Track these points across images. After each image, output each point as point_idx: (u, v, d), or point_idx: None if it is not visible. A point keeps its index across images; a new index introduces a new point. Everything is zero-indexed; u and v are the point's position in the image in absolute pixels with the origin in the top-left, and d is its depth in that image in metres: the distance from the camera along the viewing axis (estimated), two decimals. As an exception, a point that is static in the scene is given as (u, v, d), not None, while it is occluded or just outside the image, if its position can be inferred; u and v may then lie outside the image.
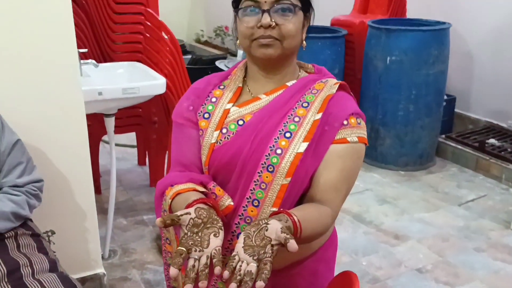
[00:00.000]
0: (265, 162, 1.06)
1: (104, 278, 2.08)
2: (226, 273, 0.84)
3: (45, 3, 1.69)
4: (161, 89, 2.27)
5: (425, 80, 3.45)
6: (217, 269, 0.84)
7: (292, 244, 0.84)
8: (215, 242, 0.90)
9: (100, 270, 2.08)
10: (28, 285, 1.32)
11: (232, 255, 0.88)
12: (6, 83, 1.71)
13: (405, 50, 3.40)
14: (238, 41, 1.13)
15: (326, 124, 1.09)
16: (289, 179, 1.05)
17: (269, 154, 1.06)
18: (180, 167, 1.16)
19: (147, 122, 3.01)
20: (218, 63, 4.83)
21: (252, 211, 1.08)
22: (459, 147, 3.71)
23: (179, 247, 0.87)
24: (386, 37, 3.44)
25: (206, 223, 0.92)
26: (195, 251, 0.87)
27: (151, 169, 3.26)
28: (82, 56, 2.38)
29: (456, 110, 4.05)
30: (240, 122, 1.12)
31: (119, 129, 2.89)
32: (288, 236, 0.85)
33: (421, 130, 3.57)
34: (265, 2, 1.05)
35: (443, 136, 3.85)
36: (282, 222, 0.90)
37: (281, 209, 0.98)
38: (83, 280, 2.03)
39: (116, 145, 3.68)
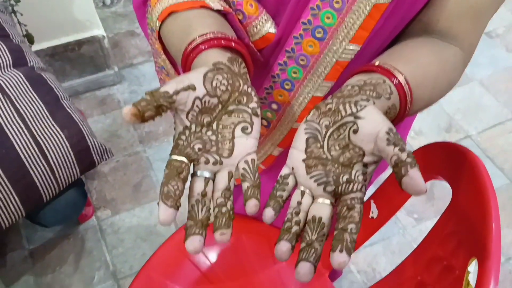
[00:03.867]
0: None
1: (104, 41, 1.69)
2: (269, 213, 0.43)
3: None
4: None
5: None
6: (252, 203, 0.43)
7: (414, 180, 0.39)
8: (245, 144, 0.46)
9: (98, 31, 1.67)
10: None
11: (282, 172, 0.46)
12: None
13: None
14: None
15: None
16: None
17: None
18: None
19: None
20: None
21: (311, 45, 0.59)
22: None
23: (174, 156, 0.44)
24: None
25: (228, 104, 0.47)
26: (206, 162, 0.45)
27: None
28: None
29: None
30: None
31: None
32: (405, 155, 0.39)
33: None
34: None
35: None
36: (383, 103, 0.46)
37: (376, 63, 0.50)
38: (78, 44, 1.66)
39: None
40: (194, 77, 0.45)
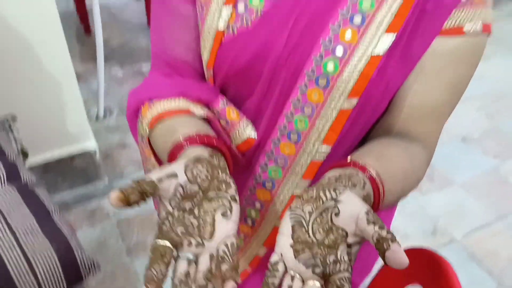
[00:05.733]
0: (313, 70, 0.60)
1: (96, 155, 1.75)
2: None
3: None
4: None
5: None
6: (230, 285, 0.45)
7: (396, 253, 0.41)
8: (225, 227, 0.49)
9: (91, 145, 1.74)
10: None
11: (272, 260, 0.48)
12: None
13: None
14: None
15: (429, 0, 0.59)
16: (355, 100, 0.59)
17: (321, 55, 0.59)
18: (164, 67, 0.70)
19: None
20: None
21: (288, 148, 0.66)
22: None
23: (158, 240, 0.47)
24: None
25: (208, 191, 0.51)
26: (189, 245, 0.48)
27: (147, 3, 2.71)
28: None
29: None
30: None
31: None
32: (385, 232, 0.42)
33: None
34: None
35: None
36: (358, 192, 0.49)
37: (350, 160, 0.55)
38: (71, 158, 1.72)
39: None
40: (176, 166, 0.50)
